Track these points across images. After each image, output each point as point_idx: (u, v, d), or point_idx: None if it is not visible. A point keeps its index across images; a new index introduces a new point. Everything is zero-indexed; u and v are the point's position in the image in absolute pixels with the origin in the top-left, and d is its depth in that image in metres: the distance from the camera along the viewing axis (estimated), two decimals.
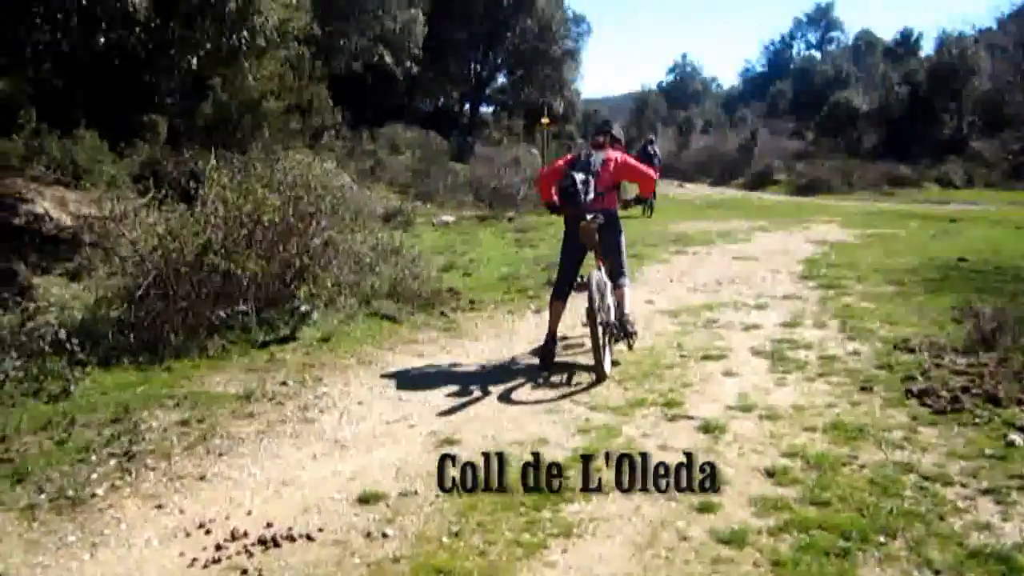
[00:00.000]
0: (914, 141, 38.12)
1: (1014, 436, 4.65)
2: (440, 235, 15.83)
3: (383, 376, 6.22)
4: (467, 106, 39.01)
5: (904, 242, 14.52)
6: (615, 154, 6.69)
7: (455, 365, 6.60)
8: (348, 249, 8.45)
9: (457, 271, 10.89)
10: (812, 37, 71.95)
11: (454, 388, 5.89)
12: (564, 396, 5.71)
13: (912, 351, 6.51)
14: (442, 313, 8.31)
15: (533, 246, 13.67)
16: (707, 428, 4.95)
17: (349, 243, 8.62)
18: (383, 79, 28.87)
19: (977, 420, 4.97)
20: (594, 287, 6.02)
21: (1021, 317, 6.82)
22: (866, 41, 66.19)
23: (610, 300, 6.28)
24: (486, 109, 42.85)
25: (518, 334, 7.64)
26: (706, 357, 6.62)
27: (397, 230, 16.43)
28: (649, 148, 21.42)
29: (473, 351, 7.06)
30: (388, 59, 26.66)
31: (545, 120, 25.38)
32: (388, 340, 7.28)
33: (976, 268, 10.90)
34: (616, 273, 6.55)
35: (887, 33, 66.75)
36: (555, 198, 6.64)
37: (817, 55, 67.23)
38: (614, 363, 6.37)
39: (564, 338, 7.24)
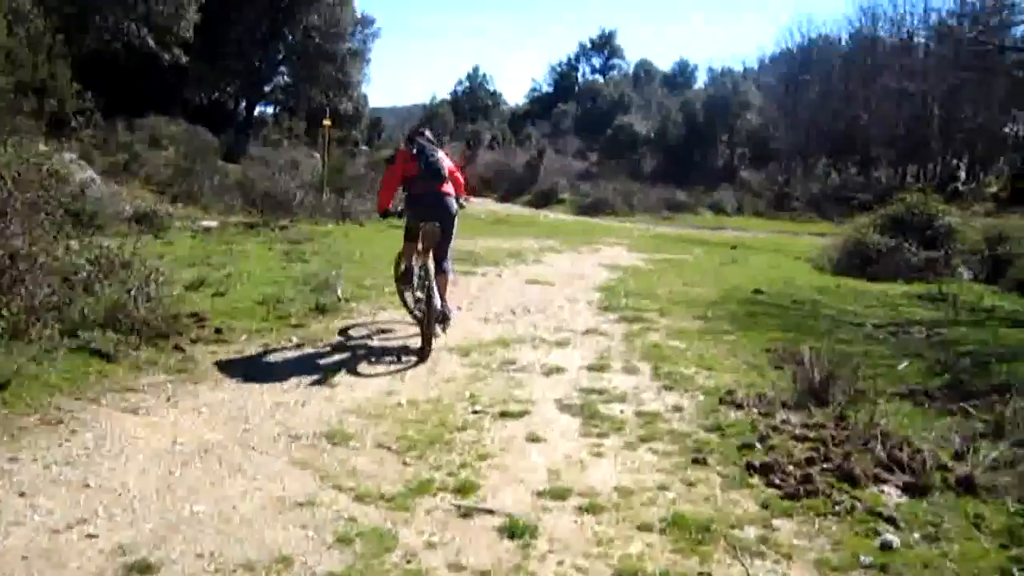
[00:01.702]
0: (690, 168, 39.71)
1: (888, 535, 3.75)
2: (198, 243, 13.82)
3: (73, 445, 4.52)
4: (244, 103, 36.24)
5: (695, 269, 14.23)
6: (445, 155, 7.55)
7: (180, 426, 4.98)
8: (51, 262, 6.55)
9: (208, 289, 9.10)
10: (596, 62, 73.97)
11: (171, 466, 4.31)
12: (324, 478, 4.27)
13: (740, 406, 5.65)
14: (177, 347, 6.62)
15: (304, 260, 12.03)
16: (513, 530, 3.70)
17: (54, 254, 6.74)
18: (147, 65, 25.89)
19: (837, 508, 4.07)
20: (428, 276, 6.89)
21: (843, 362, 6.12)
22: (645, 70, 69.01)
23: (433, 287, 6.86)
24: (266, 108, 40.30)
25: (271, 377, 6.09)
26: (505, 414, 5.42)
27: (146, 235, 14.44)
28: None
29: (210, 403, 5.47)
30: (151, 43, 23.86)
31: (327, 122, 23.63)
32: (95, 387, 5.55)
33: (775, 301, 10.51)
34: (442, 259, 7.28)
35: (664, 64, 70.03)
36: (393, 205, 7.65)
37: (600, 79, 69.14)
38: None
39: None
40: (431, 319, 6.79)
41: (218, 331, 7.22)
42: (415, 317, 7.38)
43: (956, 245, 15.43)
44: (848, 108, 42.41)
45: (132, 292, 7.11)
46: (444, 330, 7.30)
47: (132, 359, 6.15)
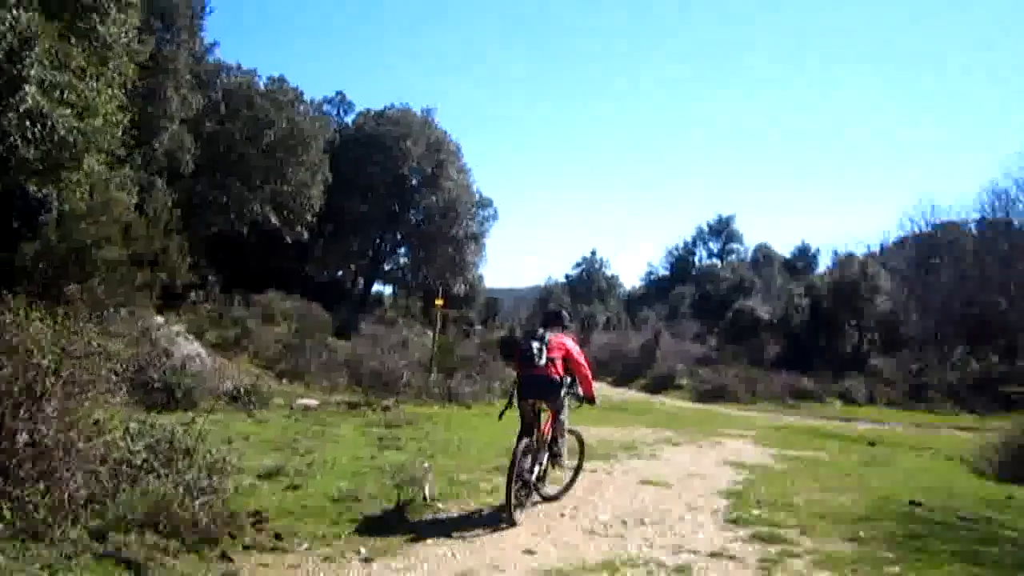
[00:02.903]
0: (815, 354, 37.63)
1: None
2: (291, 423, 13.10)
3: None
4: (362, 281, 36.87)
5: (832, 470, 12.46)
6: (564, 337, 8.05)
7: None
8: (95, 448, 5.74)
9: (283, 480, 8.15)
10: (713, 246, 73.60)
11: None
12: None
13: None
14: (224, 555, 5.58)
15: (399, 448, 11.04)
16: None
17: (104, 439, 5.95)
18: (269, 242, 26.73)
19: None
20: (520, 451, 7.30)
21: None
22: (764, 254, 67.94)
23: (528, 463, 7.49)
24: (383, 287, 40.96)
25: None
26: None
27: (240, 412, 13.88)
28: None
29: None
30: (275, 221, 24.53)
31: (439, 301, 23.38)
32: None
33: (939, 518, 8.73)
34: (552, 444, 7.94)
35: (783, 248, 68.83)
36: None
37: (718, 263, 68.44)
38: None
39: None
40: (511, 489, 7.13)
41: (277, 536, 6.16)
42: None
43: None
44: (984, 293, 39.93)
45: (184, 485, 6.18)
46: (556, 466, 8.24)
47: (165, 570, 5.13)
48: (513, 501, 7.13)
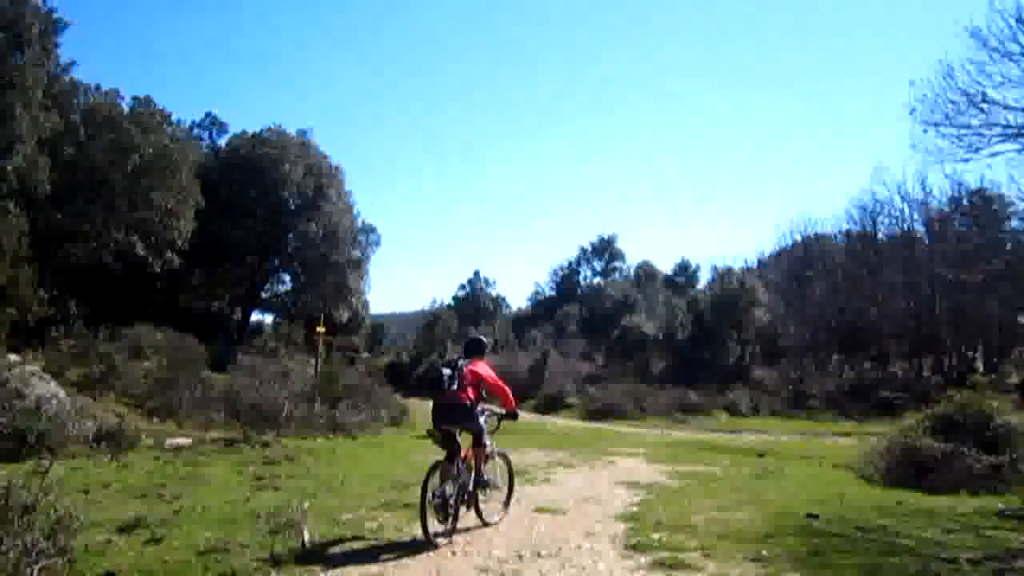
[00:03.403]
0: (700, 367, 38.30)
1: None
2: (159, 466, 12.15)
3: None
4: (239, 311, 35.41)
5: (726, 484, 12.37)
6: (478, 363, 8.18)
7: None
8: None
9: (143, 533, 7.34)
10: (597, 265, 74.44)
11: None
12: None
13: None
14: None
15: (276, 488, 10.30)
16: None
17: None
18: (138, 272, 25.23)
19: None
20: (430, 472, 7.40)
21: None
22: (646, 271, 69.20)
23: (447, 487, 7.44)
24: (264, 316, 39.49)
25: None
26: None
27: (105, 456, 12.80)
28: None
29: None
30: (140, 250, 23.13)
31: (320, 328, 22.52)
32: None
33: (837, 530, 8.62)
34: (476, 475, 8.04)
35: (665, 265, 70.15)
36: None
37: (602, 282, 69.25)
38: None
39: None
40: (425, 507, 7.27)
41: None
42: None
43: (1021, 449, 13.60)
44: (854, 302, 41.71)
45: (21, 548, 5.40)
46: (488, 488, 8.43)
47: None
48: (429, 523, 7.24)
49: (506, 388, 8.35)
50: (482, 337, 8.92)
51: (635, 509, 9.64)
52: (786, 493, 11.34)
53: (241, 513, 8.45)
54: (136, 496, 9.38)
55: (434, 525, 7.34)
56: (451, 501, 7.50)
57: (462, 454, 7.89)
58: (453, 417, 7.89)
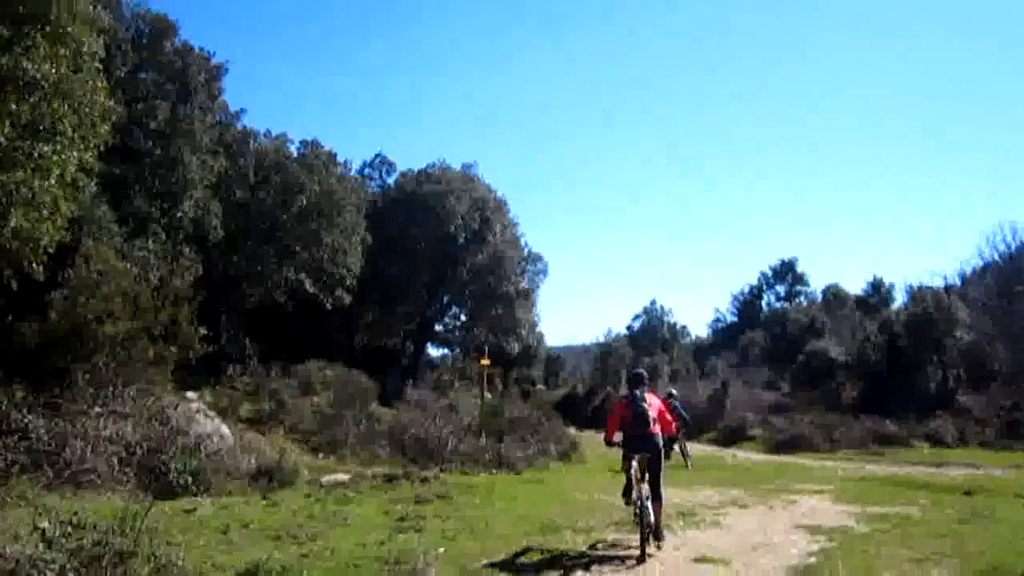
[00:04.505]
0: (896, 394, 35.04)
1: None
2: (308, 503, 11.84)
3: None
4: (411, 345, 35.77)
5: (925, 530, 10.61)
6: (654, 398, 9.42)
7: None
8: None
9: None
10: (780, 290, 71.08)
11: None
12: None
13: None
14: None
15: (418, 530, 9.64)
16: None
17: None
18: (310, 310, 25.83)
19: None
20: (641, 498, 8.52)
21: None
22: (834, 294, 65.18)
23: (650, 509, 8.52)
24: (437, 350, 39.81)
25: None
26: None
27: (259, 493, 12.69)
28: (672, 403, 19.72)
29: None
30: (310, 288, 23.59)
31: (485, 360, 22.13)
32: None
33: None
34: (655, 492, 8.80)
35: (853, 286, 65.82)
36: (616, 437, 9.20)
37: (786, 306, 65.93)
38: None
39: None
40: (644, 532, 8.37)
41: None
42: (637, 521, 8.63)
43: None
44: None
45: None
46: (659, 547, 8.77)
47: None
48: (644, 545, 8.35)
49: (671, 418, 9.81)
50: (643, 369, 10.35)
51: (812, 560, 8.30)
52: (998, 542, 9.52)
53: (370, 559, 7.83)
54: (271, 537, 9.00)
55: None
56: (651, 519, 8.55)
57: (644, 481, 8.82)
58: (648, 447, 8.87)
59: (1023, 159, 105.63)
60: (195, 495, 11.96)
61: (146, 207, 18.20)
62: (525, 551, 8.53)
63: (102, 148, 11.93)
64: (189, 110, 18.64)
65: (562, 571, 7.80)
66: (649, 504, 8.46)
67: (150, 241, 17.97)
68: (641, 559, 8.09)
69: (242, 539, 8.91)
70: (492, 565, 7.82)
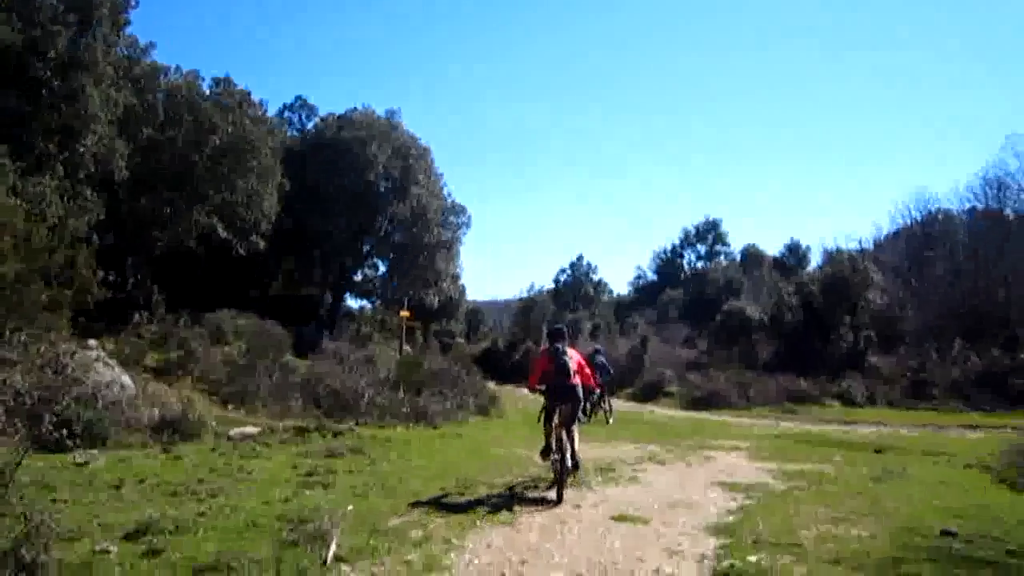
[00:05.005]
0: (811, 354, 35.81)
1: None
2: (213, 457, 11.29)
3: None
4: (330, 296, 34.93)
5: (841, 488, 10.64)
6: (574, 352, 10.01)
7: None
8: None
9: (148, 541, 6.31)
10: (701, 249, 71.86)
11: None
12: None
13: None
14: None
15: (326, 486, 9.19)
16: None
17: None
18: (224, 258, 24.82)
19: None
20: (562, 447, 9.06)
21: None
22: (752, 254, 66.27)
23: (567, 449, 9.06)
24: (357, 301, 38.99)
25: None
26: None
27: (162, 446, 12.06)
28: (597, 359, 20.09)
29: None
30: (223, 234, 22.59)
31: (404, 312, 21.62)
32: None
33: (981, 554, 6.95)
34: (570, 424, 9.38)
35: (772, 248, 67.07)
36: (539, 385, 9.70)
37: (707, 266, 66.79)
38: None
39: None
40: (563, 473, 8.97)
41: None
42: (554, 471, 9.27)
43: None
44: (981, 284, 38.42)
45: None
46: (575, 476, 9.68)
47: None
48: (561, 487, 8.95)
49: (589, 371, 10.15)
50: (563, 325, 10.60)
51: (731, 519, 8.13)
52: (913, 501, 9.57)
53: (272, 517, 7.36)
54: (168, 493, 8.44)
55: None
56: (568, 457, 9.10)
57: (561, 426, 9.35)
58: (569, 398, 9.41)
59: (940, 126, 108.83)
60: (90, 448, 11.25)
61: (44, 142, 17.00)
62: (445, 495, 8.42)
63: None
64: (91, 40, 17.37)
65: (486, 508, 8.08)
66: (566, 445, 9.09)
67: (47, 177, 16.82)
68: (559, 501, 8.65)
69: (136, 495, 8.34)
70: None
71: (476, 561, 6.23)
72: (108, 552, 6.00)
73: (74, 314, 14.09)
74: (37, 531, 5.31)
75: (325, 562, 5.86)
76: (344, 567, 5.90)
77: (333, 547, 6.12)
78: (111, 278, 14.60)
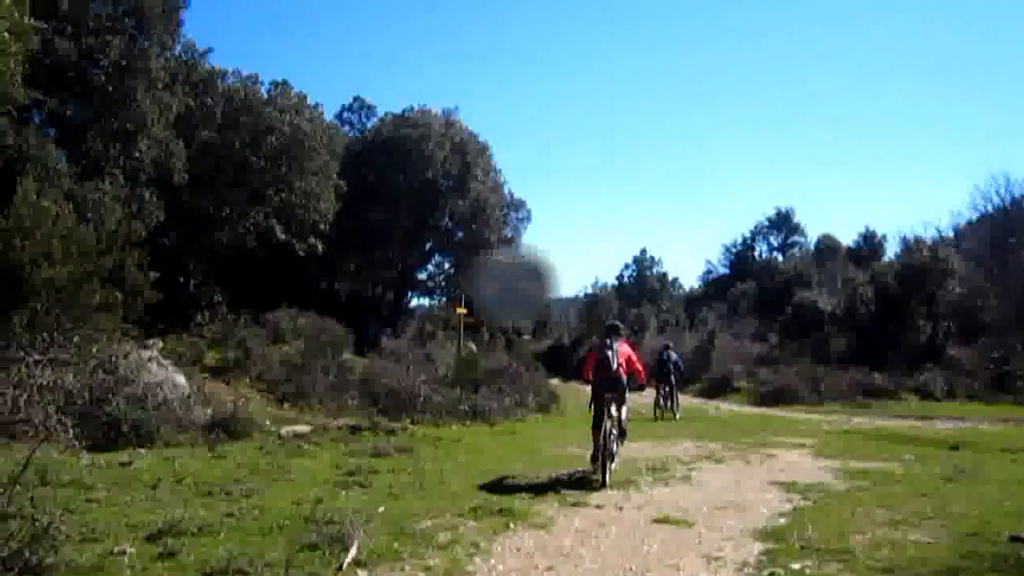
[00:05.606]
0: (886, 347, 34.56)
1: None
2: (258, 456, 11.21)
3: None
4: (391, 294, 35.03)
5: (909, 489, 10.00)
6: (625, 346, 10.75)
7: None
8: None
9: (167, 542, 6.16)
10: (774, 240, 70.14)
11: None
12: None
13: None
14: None
15: (363, 486, 9.00)
16: None
17: None
18: (284, 258, 25.02)
19: None
20: (607, 432, 9.75)
21: None
22: (827, 245, 64.41)
23: (613, 443, 9.94)
24: (420, 299, 39.08)
25: None
26: None
27: (210, 445, 12.07)
28: (668, 355, 21.53)
29: None
30: (281, 234, 22.75)
31: (461, 309, 21.45)
32: None
33: None
34: (620, 428, 10.33)
35: (847, 237, 64.84)
36: (591, 374, 10.44)
37: (779, 257, 65.18)
38: None
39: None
40: (606, 462, 9.63)
41: None
42: (597, 458, 9.76)
43: None
44: None
45: None
46: (622, 443, 10.57)
47: None
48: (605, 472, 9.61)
49: (641, 367, 10.89)
50: (618, 322, 11.72)
51: (782, 521, 7.64)
52: (985, 502, 8.88)
53: (299, 518, 7.17)
54: (203, 493, 8.32)
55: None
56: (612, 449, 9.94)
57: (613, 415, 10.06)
58: (613, 387, 10.16)
59: (1018, 111, 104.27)
60: (139, 447, 11.32)
61: (101, 148, 17.30)
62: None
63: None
64: (145, 44, 17.62)
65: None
66: (614, 439, 9.94)
67: (106, 183, 17.12)
68: (602, 484, 9.38)
69: (170, 495, 8.24)
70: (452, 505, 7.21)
71: (500, 567, 5.92)
72: (123, 554, 5.88)
73: (135, 315, 14.26)
74: (46, 533, 5.20)
75: (341, 567, 5.62)
76: (360, 572, 5.65)
77: (353, 551, 5.88)
78: (177, 279, 14.74)
